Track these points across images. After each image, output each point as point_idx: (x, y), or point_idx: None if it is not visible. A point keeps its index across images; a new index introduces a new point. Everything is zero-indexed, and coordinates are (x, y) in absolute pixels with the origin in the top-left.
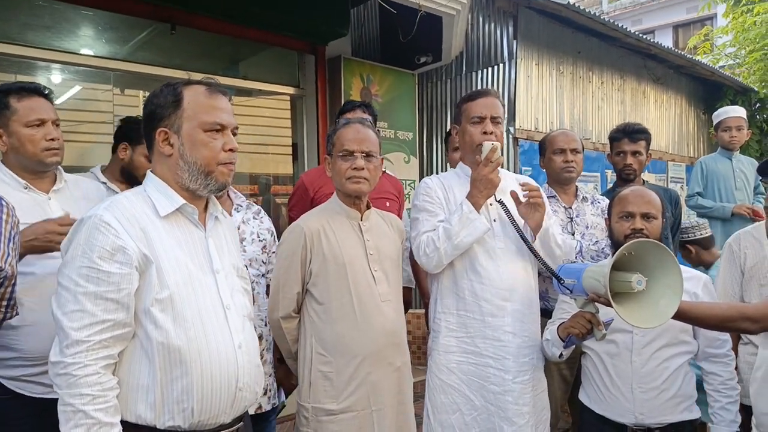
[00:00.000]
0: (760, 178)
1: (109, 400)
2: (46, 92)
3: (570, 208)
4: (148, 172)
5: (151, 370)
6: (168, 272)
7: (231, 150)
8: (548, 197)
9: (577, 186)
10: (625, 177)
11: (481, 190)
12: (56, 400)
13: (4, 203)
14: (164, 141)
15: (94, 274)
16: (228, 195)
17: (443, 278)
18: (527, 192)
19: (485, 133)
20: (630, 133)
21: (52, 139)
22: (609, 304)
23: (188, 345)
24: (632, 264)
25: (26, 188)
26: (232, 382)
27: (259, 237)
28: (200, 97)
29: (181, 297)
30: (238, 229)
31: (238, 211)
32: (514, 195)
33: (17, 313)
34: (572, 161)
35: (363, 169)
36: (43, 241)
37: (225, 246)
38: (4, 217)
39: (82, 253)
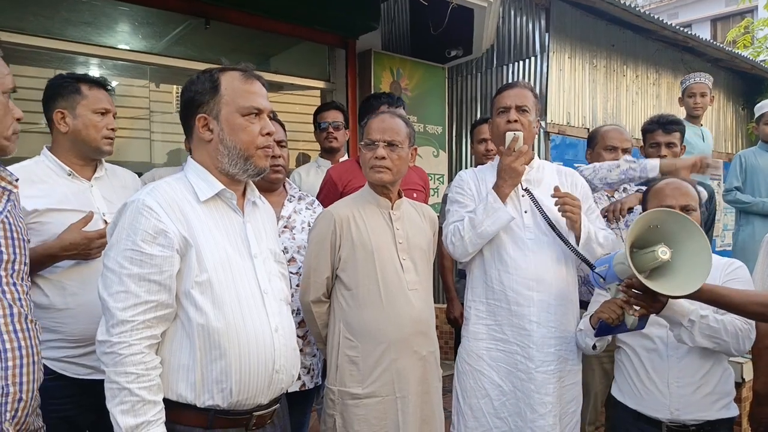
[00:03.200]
0: None
1: (152, 379)
2: (110, 88)
3: (612, 197)
4: (189, 158)
5: (192, 350)
6: (207, 256)
7: (268, 134)
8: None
9: None
10: None
11: (505, 180)
12: (98, 381)
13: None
14: (204, 126)
15: (137, 257)
16: (284, 186)
17: (474, 267)
18: (558, 199)
19: (509, 122)
20: (664, 124)
21: (112, 129)
22: (639, 283)
23: (227, 327)
24: (657, 240)
25: (70, 175)
26: (269, 364)
27: (309, 225)
28: (237, 83)
29: (220, 281)
30: (289, 218)
31: (290, 202)
32: (556, 189)
33: None
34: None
35: (384, 158)
36: (83, 252)
37: (263, 231)
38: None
39: (126, 236)
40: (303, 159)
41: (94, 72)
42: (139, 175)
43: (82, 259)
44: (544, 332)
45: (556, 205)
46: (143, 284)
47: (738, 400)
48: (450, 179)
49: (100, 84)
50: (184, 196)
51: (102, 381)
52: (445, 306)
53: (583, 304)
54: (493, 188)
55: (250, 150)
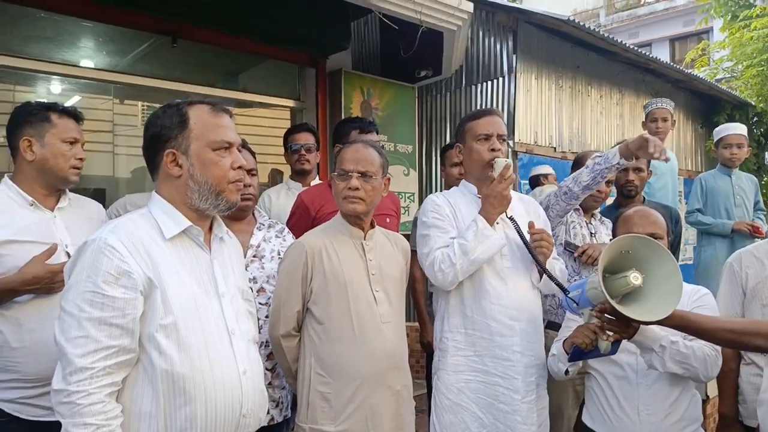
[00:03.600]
0: None
1: (113, 430)
2: (80, 118)
3: (590, 223)
4: (153, 193)
5: (155, 397)
6: (173, 297)
7: (240, 167)
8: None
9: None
10: (627, 193)
11: (495, 207)
12: (56, 422)
13: None
14: (172, 162)
15: (98, 299)
16: (252, 214)
17: (450, 297)
18: (535, 235)
19: (493, 150)
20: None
21: (80, 159)
22: (612, 308)
23: (192, 373)
24: (629, 265)
25: (32, 205)
26: (236, 409)
27: (279, 254)
28: (206, 116)
29: (186, 323)
30: (258, 247)
31: (260, 230)
32: (531, 225)
33: None
34: (604, 192)
35: (358, 189)
36: (46, 286)
37: (230, 268)
38: None
39: (86, 278)
40: (274, 175)
41: (56, 88)
42: (103, 191)
43: (44, 294)
44: (527, 361)
45: (533, 241)
46: (104, 328)
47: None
48: (420, 198)
49: (71, 113)
50: (149, 233)
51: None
52: (415, 323)
53: (557, 326)
54: (480, 214)
55: (222, 185)
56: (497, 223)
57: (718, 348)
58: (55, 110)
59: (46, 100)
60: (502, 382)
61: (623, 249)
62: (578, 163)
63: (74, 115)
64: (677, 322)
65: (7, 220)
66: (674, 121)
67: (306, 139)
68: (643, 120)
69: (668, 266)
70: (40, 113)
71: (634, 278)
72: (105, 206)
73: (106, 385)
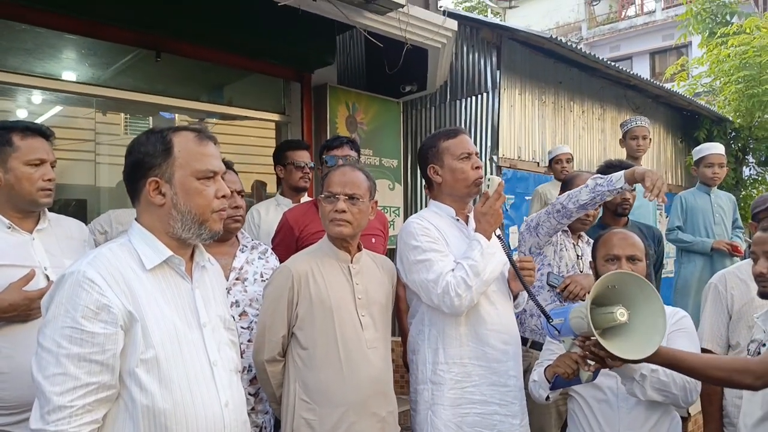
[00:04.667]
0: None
1: None
2: (48, 134)
3: (577, 245)
4: (133, 221)
5: None
6: (154, 330)
7: (224, 196)
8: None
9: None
10: (621, 212)
11: (491, 224)
12: None
13: None
14: (155, 190)
15: (77, 335)
16: (236, 236)
17: (446, 327)
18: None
19: (477, 168)
20: (627, 169)
21: (49, 180)
22: (596, 342)
23: (174, 408)
24: (615, 299)
25: (9, 228)
26: None
27: (262, 277)
28: (191, 144)
29: (167, 356)
30: (241, 269)
31: (243, 252)
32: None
33: None
34: (592, 216)
35: (345, 211)
36: (23, 313)
37: (212, 297)
38: None
39: (64, 312)
40: (257, 187)
41: (37, 98)
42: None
43: (21, 321)
44: (519, 384)
45: (521, 269)
46: (83, 365)
47: None
48: (406, 212)
49: (36, 131)
50: (128, 264)
51: None
52: (399, 338)
53: (540, 346)
54: (477, 232)
55: (206, 214)
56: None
57: None
58: (17, 131)
59: (17, 117)
60: (500, 409)
61: (610, 284)
62: (567, 184)
63: (41, 132)
64: (664, 360)
65: None
66: (650, 139)
67: (308, 157)
68: (621, 138)
69: (654, 305)
70: (1, 137)
71: (621, 315)
72: (86, 217)
73: (85, 423)
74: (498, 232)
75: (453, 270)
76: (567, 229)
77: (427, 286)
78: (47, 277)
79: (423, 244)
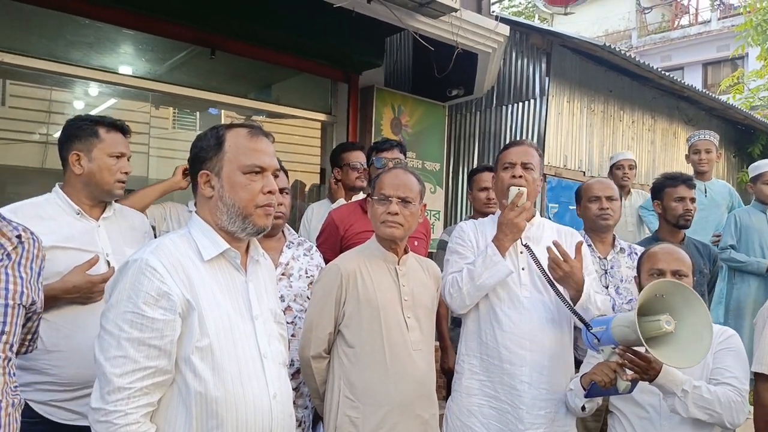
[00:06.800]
0: None
1: None
2: (126, 131)
3: (605, 259)
4: (193, 213)
5: (188, 419)
6: (209, 319)
7: (270, 192)
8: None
9: (614, 236)
10: (683, 223)
11: (507, 234)
12: (85, 427)
13: (35, 239)
14: (206, 183)
15: (138, 320)
16: (282, 232)
17: (468, 321)
18: (550, 260)
19: (513, 177)
20: (685, 180)
21: (126, 173)
22: (641, 348)
23: (225, 396)
24: (661, 309)
25: (78, 214)
26: None
27: (307, 273)
28: (241, 140)
29: (221, 346)
30: (287, 265)
31: (289, 248)
32: (556, 244)
33: (36, 347)
34: (608, 208)
35: (397, 214)
36: (85, 296)
37: (264, 290)
38: (35, 251)
39: (127, 298)
40: (300, 186)
41: (93, 91)
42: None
43: (83, 303)
44: (535, 394)
45: (548, 266)
46: (143, 349)
47: None
48: (446, 216)
49: (118, 127)
50: (188, 254)
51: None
52: (436, 343)
53: (576, 364)
54: (492, 241)
55: (249, 208)
56: (521, 253)
57: (745, 393)
58: (103, 125)
59: (76, 108)
60: (510, 410)
61: (657, 293)
62: (578, 195)
63: (122, 129)
64: None
65: (54, 227)
66: (720, 153)
67: (363, 157)
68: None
69: (700, 316)
70: (89, 128)
71: (667, 323)
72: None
73: (142, 405)
74: (525, 241)
75: (457, 272)
76: (591, 242)
77: (443, 283)
78: (108, 263)
79: (452, 245)
